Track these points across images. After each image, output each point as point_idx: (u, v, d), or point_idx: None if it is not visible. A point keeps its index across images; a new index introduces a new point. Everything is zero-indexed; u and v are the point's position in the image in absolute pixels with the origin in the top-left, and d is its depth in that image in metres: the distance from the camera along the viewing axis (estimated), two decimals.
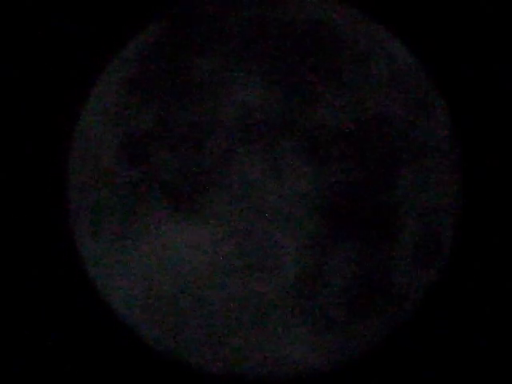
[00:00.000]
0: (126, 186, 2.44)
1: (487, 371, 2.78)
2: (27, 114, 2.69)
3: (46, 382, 2.68)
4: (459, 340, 2.80)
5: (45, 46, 2.66)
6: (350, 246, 2.38)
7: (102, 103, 2.59)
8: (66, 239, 2.66)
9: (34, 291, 2.71)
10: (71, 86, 2.69)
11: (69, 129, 2.62)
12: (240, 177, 2.32)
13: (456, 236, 2.68)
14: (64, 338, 2.71)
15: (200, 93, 2.39)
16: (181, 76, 2.44)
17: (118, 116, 2.51)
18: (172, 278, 2.42)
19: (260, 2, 2.58)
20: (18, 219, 2.70)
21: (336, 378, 2.68)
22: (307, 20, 2.54)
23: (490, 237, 2.86)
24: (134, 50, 2.62)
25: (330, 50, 2.48)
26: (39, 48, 2.67)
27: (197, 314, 2.44)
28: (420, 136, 2.53)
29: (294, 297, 2.39)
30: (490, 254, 2.85)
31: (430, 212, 2.54)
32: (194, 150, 2.34)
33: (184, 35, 2.53)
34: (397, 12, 2.78)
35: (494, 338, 2.80)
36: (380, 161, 2.40)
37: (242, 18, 2.51)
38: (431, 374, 2.79)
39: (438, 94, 2.70)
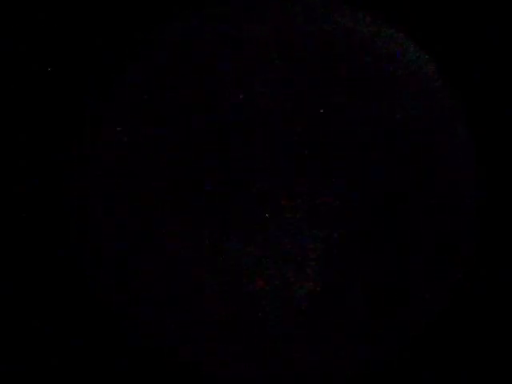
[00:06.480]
0: (136, 188, 2.45)
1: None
2: (43, 118, 2.69)
3: (45, 382, 2.68)
4: (484, 345, 2.76)
5: (62, 51, 2.66)
6: (368, 253, 2.38)
7: (117, 108, 2.59)
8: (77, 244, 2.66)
9: (37, 291, 2.72)
10: (88, 90, 2.68)
11: (83, 135, 2.62)
12: (257, 185, 2.33)
13: (476, 242, 2.66)
14: (60, 336, 2.71)
15: (216, 99, 2.40)
16: (198, 81, 2.44)
17: (133, 120, 2.52)
18: (180, 281, 2.42)
19: (279, 10, 2.58)
20: (32, 219, 2.71)
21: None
22: (325, 27, 2.54)
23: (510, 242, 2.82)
24: (150, 54, 2.62)
25: (349, 58, 2.48)
26: (55, 51, 2.67)
27: (204, 315, 2.45)
28: (438, 143, 2.53)
29: (315, 304, 2.39)
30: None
31: (450, 218, 2.53)
32: (208, 158, 2.35)
33: (205, 37, 2.54)
34: (415, 16, 2.76)
35: None
36: (398, 167, 2.41)
37: (262, 24, 2.52)
38: (451, 379, 2.77)
39: (457, 102, 2.69)
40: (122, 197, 2.53)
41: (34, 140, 2.67)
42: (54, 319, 2.68)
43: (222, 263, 2.48)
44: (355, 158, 2.45)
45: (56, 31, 2.67)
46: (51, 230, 2.66)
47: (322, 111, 2.42)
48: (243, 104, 2.49)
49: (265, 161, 2.47)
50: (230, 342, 2.50)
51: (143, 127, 2.54)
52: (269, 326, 2.48)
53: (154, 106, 2.54)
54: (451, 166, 2.55)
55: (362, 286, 2.47)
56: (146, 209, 2.51)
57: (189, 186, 2.48)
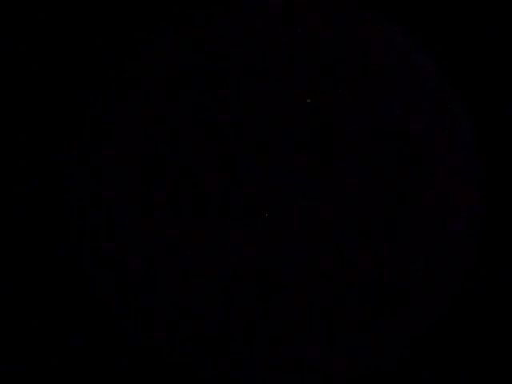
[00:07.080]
0: (136, 188, 2.45)
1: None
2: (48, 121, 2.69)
3: (45, 382, 2.68)
4: (484, 345, 2.76)
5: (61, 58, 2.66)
6: (368, 253, 2.39)
7: (117, 108, 2.60)
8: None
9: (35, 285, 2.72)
10: (88, 90, 2.69)
11: (83, 135, 2.62)
12: (256, 185, 2.34)
13: (476, 242, 2.66)
14: (60, 336, 2.70)
15: (216, 99, 2.41)
16: (197, 80, 2.45)
17: (133, 120, 2.52)
18: (179, 279, 2.43)
19: (279, 10, 2.59)
20: (35, 215, 2.71)
21: None
22: (331, 30, 2.54)
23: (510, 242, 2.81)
24: (150, 54, 2.62)
25: (349, 57, 2.48)
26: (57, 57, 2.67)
27: (204, 316, 2.45)
28: (438, 143, 2.53)
29: (313, 305, 2.40)
30: None
31: (450, 218, 2.53)
32: (208, 158, 2.36)
33: (205, 37, 2.54)
34: (415, 16, 2.76)
35: None
36: (398, 167, 2.41)
37: (263, 24, 2.53)
38: (451, 379, 2.76)
39: (457, 102, 2.69)
40: (121, 197, 2.53)
41: (34, 140, 2.67)
42: (54, 319, 2.68)
43: (222, 263, 2.48)
44: (355, 157, 2.45)
45: (56, 31, 2.67)
46: (51, 230, 2.66)
47: (319, 110, 2.42)
48: (243, 104, 2.48)
49: (264, 161, 2.47)
50: (229, 341, 2.50)
51: (143, 127, 2.53)
52: (269, 326, 2.47)
53: (154, 105, 2.54)
54: (451, 165, 2.55)
55: (362, 286, 2.46)
56: (146, 209, 2.51)
57: (189, 185, 2.48)
